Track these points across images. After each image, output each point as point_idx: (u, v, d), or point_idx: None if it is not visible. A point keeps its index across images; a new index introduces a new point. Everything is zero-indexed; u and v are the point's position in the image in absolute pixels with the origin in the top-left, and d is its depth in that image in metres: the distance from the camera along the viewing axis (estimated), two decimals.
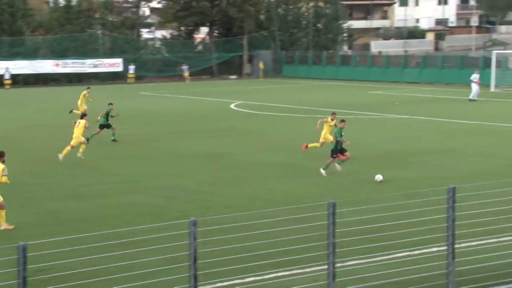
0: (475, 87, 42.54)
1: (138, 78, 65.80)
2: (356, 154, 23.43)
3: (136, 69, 65.49)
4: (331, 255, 8.40)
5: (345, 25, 76.55)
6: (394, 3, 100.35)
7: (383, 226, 10.79)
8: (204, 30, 75.40)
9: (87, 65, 63.84)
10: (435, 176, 19.33)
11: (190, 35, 73.05)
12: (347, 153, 20.05)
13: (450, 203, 9.00)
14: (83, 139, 23.04)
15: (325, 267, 8.55)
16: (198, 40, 74.62)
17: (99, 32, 66.52)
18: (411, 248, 11.30)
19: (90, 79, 63.87)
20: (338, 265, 8.69)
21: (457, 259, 9.18)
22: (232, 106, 41.59)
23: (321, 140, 22.91)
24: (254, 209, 14.97)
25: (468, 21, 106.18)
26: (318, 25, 74.58)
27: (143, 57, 67.78)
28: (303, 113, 36.78)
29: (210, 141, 27.03)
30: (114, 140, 26.59)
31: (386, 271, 10.14)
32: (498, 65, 51.59)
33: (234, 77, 70.11)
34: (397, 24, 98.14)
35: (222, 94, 50.33)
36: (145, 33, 74.13)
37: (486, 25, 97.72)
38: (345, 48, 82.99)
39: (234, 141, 26.94)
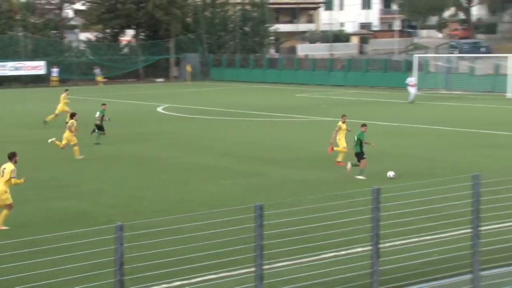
0: (412, 90, 43.86)
1: (62, 81, 64.45)
2: (284, 156, 23.64)
3: (59, 72, 64.17)
4: (259, 257, 8.41)
5: (271, 29, 77.05)
6: (319, 7, 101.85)
7: (311, 227, 10.88)
8: (130, 32, 74.60)
9: (8, 68, 62.14)
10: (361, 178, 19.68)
11: (115, 37, 72.11)
12: (364, 161, 19.76)
13: (375, 204, 9.16)
14: (75, 140, 23.76)
15: (253, 269, 8.58)
16: (124, 42, 73.70)
17: (20, 34, 64.85)
18: (337, 249, 11.47)
19: (11, 82, 62.28)
20: (265, 267, 8.75)
21: (381, 259, 9.33)
22: (159, 109, 41.27)
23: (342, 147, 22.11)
24: (182, 212, 14.92)
25: (390, 25, 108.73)
26: (245, 28, 74.62)
27: (67, 59, 66.48)
28: (231, 116, 36.75)
29: (137, 145, 26.77)
30: (97, 144, 26.80)
31: (313, 272, 10.24)
32: (420, 69, 52.45)
33: (161, 80, 69.60)
34: (323, 27, 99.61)
35: (149, 97, 49.89)
36: (68, 35, 72.88)
37: (408, 29, 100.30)
38: (272, 51, 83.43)
39: (162, 145, 26.77)
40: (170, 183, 19.28)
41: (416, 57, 53.57)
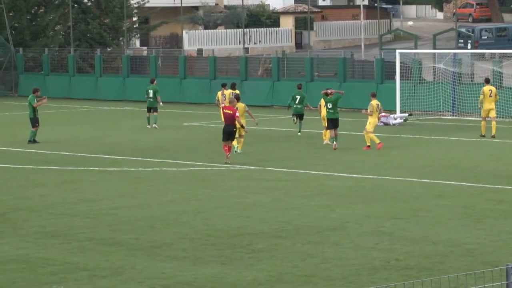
0: (390, 120, 49.13)
1: None
2: None
3: None
4: None
5: (134, 1, 76.57)
6: None
7: None
8: None
9: None
10: None
11: None
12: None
13: None
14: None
15: None
16: None
17: None
18: None
19: None
20: None
21: None
22: None
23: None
24: None
25: None
26: None
27: None
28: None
29: None
30: None
31: None
32: (406, 76, 53.85)
33: None
34: (229, 1, 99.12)
35: None
36: None
37: (383, 4, 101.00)
38: (137, 43, 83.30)
39: None
40: None
41: (399, 54, 53.69)
